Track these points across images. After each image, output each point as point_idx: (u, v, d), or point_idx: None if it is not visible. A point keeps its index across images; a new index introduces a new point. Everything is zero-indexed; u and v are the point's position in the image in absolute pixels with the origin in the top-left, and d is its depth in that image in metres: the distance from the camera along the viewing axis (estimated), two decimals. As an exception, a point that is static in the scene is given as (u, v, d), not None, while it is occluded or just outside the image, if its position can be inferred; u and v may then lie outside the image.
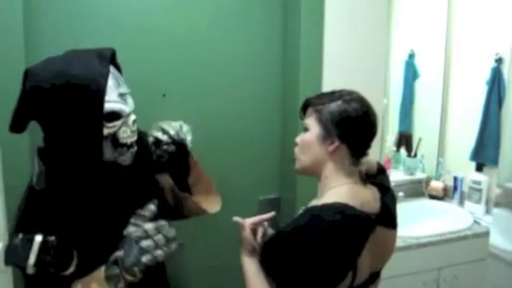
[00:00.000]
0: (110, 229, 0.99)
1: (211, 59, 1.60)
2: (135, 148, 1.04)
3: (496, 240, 1.84)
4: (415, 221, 2.08)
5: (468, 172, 2.32)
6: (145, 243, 0.97)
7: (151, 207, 1.03)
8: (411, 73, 2.51)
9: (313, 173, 1.01)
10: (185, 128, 1.16)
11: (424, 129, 2.52)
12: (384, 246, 0.99)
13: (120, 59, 1.44)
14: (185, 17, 1.54)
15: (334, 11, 1.60)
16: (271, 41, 1.68)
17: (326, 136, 0.95)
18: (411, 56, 2.50)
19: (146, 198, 1.05)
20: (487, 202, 2.22)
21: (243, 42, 1.64)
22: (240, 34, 1.63)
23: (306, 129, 1.00)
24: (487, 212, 2.20)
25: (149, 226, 0.99)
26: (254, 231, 1.06)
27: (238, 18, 1.62)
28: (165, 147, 1.12)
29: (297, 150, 1.02)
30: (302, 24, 1.57)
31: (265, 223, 1.09)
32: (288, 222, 0.94)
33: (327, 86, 1.62)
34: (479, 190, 2.22)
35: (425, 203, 2.38)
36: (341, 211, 0.88)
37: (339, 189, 0.95)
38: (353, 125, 0.95)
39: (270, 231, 1.10)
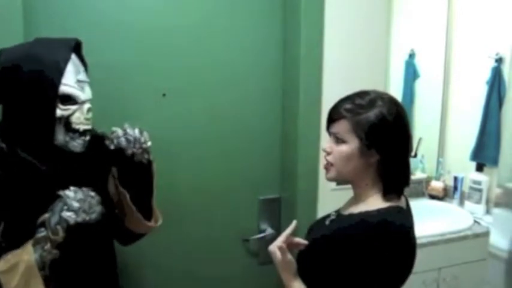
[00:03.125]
0: (44, 209, 0.98)
1: (211, 60, 1.59)
2: (88, 138, 1.07)
3: (496, 240, 1.84)
4: (415, 221, 2.07)
5: (468, 172, 2.32)
6: (70, 202, 0.96)
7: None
8: (411, 73, 2.51)
9: (350, 181, 1.02)
10: (145, 133, 1.14)
11: (424, 129, 2.52)
12: None
13: (120, 58, 1.46)
14: (185, 16, 1.54)
15: (334, 10, 1.60)
16: (271, 40, 1.68)
17: (367, 149, 0.95)
18: (411, 56, 2.49)
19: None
20: (487, 202, 2.22)
21: (243, 42, 1.63)
22: (240, 34, 1.62)
23: (339, 139, 0.97)
24: (487, 212, 2.20)
25: (75, 190, 0.99)
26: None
27: (238, 18, 1.61)
28: (115, 139, 1.10)
29: (332, 160, 0.99)
30: (302, 23, 1.57)
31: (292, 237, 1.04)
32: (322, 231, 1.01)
33: (327, 85, 1.62)
34: (480, 190, 2.22)
35: (426, 203, 2.38)
36: (404, 214, 0.98)
37: (383, 194, 0.98)
38: (392, 136, 0.95)
39: (300, 240, 1.03)
